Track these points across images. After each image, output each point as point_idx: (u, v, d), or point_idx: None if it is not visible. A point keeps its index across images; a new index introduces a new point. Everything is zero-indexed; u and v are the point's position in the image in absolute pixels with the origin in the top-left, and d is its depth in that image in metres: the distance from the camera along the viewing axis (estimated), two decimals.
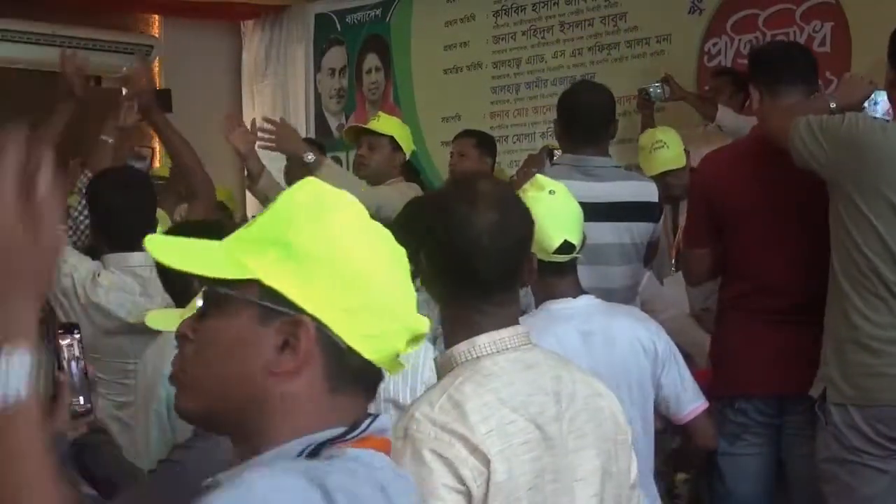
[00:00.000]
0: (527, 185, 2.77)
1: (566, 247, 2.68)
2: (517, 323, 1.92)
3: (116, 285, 3.29)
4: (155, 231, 3.49)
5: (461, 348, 1.85)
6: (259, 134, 4.31)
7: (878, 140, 2.95)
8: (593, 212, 3.39)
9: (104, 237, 3.48)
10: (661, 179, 4.66)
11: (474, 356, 1.84)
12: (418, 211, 1.94)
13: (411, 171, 5.37)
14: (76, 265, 3.31)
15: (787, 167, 3.11)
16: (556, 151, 4.11)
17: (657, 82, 5.56)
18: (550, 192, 2.69)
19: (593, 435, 1.89)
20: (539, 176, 3.56)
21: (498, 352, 1.84)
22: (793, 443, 3.27)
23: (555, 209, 2.69)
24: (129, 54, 7.98)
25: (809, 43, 5.59)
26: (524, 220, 1.93)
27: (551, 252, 2.67)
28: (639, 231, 3.60)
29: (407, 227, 1.79)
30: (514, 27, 6.97)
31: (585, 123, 3.60)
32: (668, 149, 4.81)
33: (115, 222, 3.35)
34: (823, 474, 3.06)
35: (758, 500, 3.37)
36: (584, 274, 3.43)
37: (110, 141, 4.05)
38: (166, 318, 2.10)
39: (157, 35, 8.45)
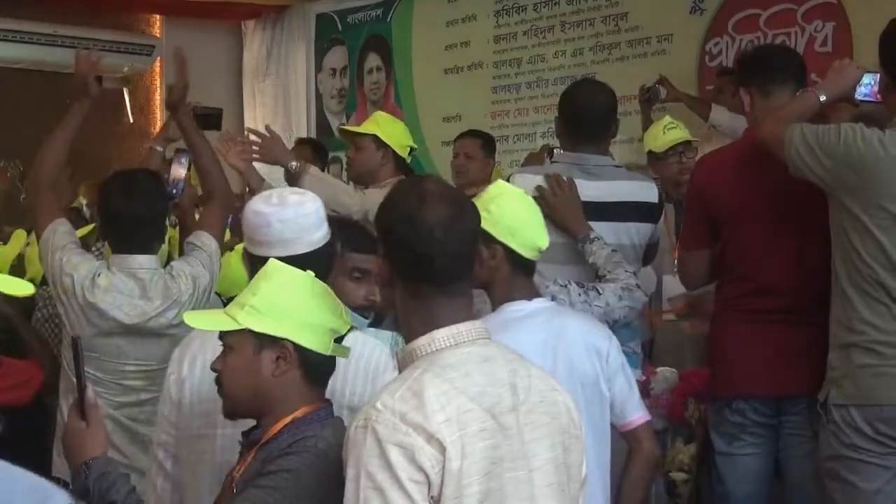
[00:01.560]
0: (495, 184, 2.90)
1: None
2: (473, 317, 1.99)
3: (114, 286, 3.29)
4: (162, 236, 3.51)
5: (421, 342, 1.92)
6: (249, 138, 4.37)
7: (877, 153, 2.95)
8: (593, 211, 3.39)
9: (109, 238, 3.52)
10: (677, 159, 4.69)
11: (434, 349, 1.91)
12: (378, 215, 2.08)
13: (408, 170, 5.37)
14: (77, 265, 3.31)
15: (782, 169, 3.10)
16: (556, 150, 4.10)
17: (654, 83, 5.57)
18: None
19: (548, 427, 1.95)
20: (516, 176, 3.60)
21: (456, 345, 1.91)
22: (791, 443, 3.27)
23: (534, 210, 2.82)
24: (130, 54, 7.98)
25: (811, 43, 5.60)
26: (473, 215, 2.01)
27: (537, 251, 2.78)
28: (639, 232, 3.54)
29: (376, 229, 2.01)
30: (514, 27, 6.97)
31: (586, 122, 3.56)
32: (681, 129, 4.82)
33: (118, 226, 3.36)
34: (826, 472, 3.07)
35: (756, 499, 3.37)
36: (585, 272, 3.44)
37: (160, 149, 4.10)
38: (203, 318, 2.24)
39: (158, 35, 8.45)
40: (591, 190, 3.46)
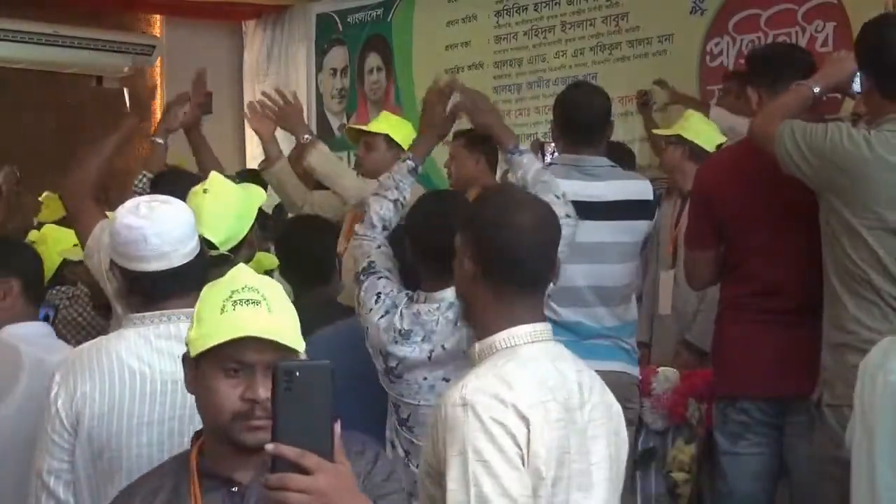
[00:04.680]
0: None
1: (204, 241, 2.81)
2: (545, 319, 2.11)
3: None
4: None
5: (501, 336, 2.04)
6: (265, 101, 4.34)
7: (864, 154, 2.95)
8: (592, 211, 3.43)
9: None
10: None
11: (513, 344, 2.03)
12: (454, 218, 2.24)
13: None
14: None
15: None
16: (546, 146, 4.13)
17: (653, 86, 5.58)
18: (204, 190, 2.85)
19: (605, 427, 2.07)
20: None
21: (533, 342, 2.04)
22: (794, 443, 3.26)
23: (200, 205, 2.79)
24: (131, 54, 7.98)
25: (812, 43, 5.59)
26: (554, 222, 2.15)
27: None
28: (636, 229, 3.64)
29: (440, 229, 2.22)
30: (515, 27, 6.97)
31: (583, 124, 3.65)
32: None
33: None
34: (824, 473, 3.06)
35: (759, 499, 3.36)
36: (583, 273, 3.46)
37: (160, 141, 4.09)
38: None
39: (158, 35, 8.46)
40: (590, 190, 3.54)
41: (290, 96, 4.37)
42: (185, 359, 1.88)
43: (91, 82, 8.14)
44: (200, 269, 2.34)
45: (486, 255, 2.07)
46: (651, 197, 3.70)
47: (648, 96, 5.56)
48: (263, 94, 4.45)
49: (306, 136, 4.24)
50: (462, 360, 2.56)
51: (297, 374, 1.52)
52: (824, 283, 3.06)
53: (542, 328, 2.07)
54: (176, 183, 3.45)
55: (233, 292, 1.81)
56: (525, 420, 1.91)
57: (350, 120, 7.65)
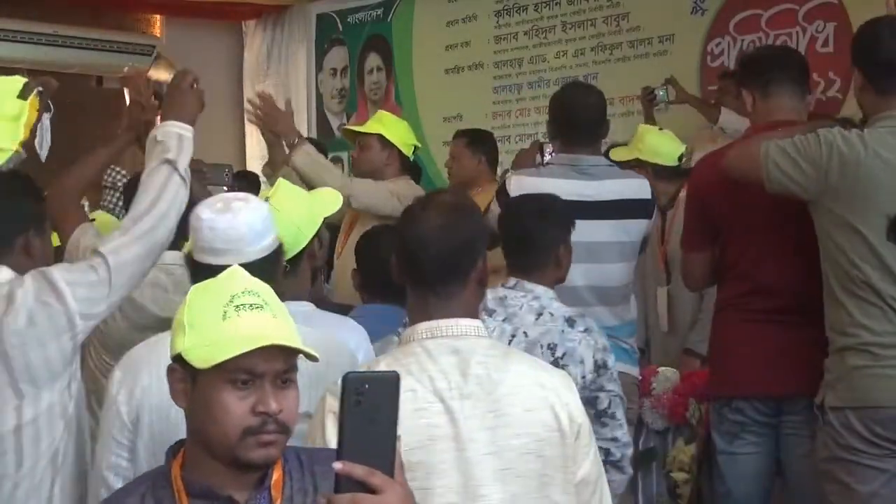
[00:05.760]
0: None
1: None
2: (468, 315, 2.14)
3: (149, 281, 3.27)
4: (186, 233, 3.48)
5: (406, 331, 2.15)
6: (250, 107, 4.32)
7: (861, 154, 2.95)
8: (590, 210, 3.45)
9: None
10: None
11: (411, 339, 2.11)
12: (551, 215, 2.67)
13: (414, 169, 5.35)
14: None
15: None
16: (546, 146, 4.12)
17: (662, 85, 5.55)
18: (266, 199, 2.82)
19: (500, 420, 2.06)
20: (512, 178, 3.67)
21: (431, 338, 2.10)
22: (791, 442, 3.26)
23: None
24: (131, 54, 7.98)
25: (812, 43, 5.59)
26: (469, 226, 2.18)
27: None
28: (634, 228, 3.64)
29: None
30: (515, 27, 6.97)
31: (580, 124, 3.65)
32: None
33: None
34: (823, 474, 3.06)
35: (757, 498, 3.36)
36: (582, 272, 3.46)
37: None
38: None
39: (158, 35, 8.45)
40: (587, 190, 3.55)
41: (281, 102, 4.35)
42: (173, 370, 1.74)
43: (91, 82, 8.14)
44: (270, 269, 2.30)
45: (398, 254, 2.19)
46: (649, 196, 3.70)
47: (655, 93, 5.54)
48: (248, 101, 4.41)
49: (296, 139, 4.21)
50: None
51: (367, 386, 1.42)
52: (823, 289, 3.06)
53: (448, 324, 2.10)
54: None
55: (233, 296, 1.69)
56: None
57: (350, 120, 7.64)
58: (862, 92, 3.11)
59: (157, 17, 8.47)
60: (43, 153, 3.02)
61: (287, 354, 1.69)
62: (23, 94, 2.62)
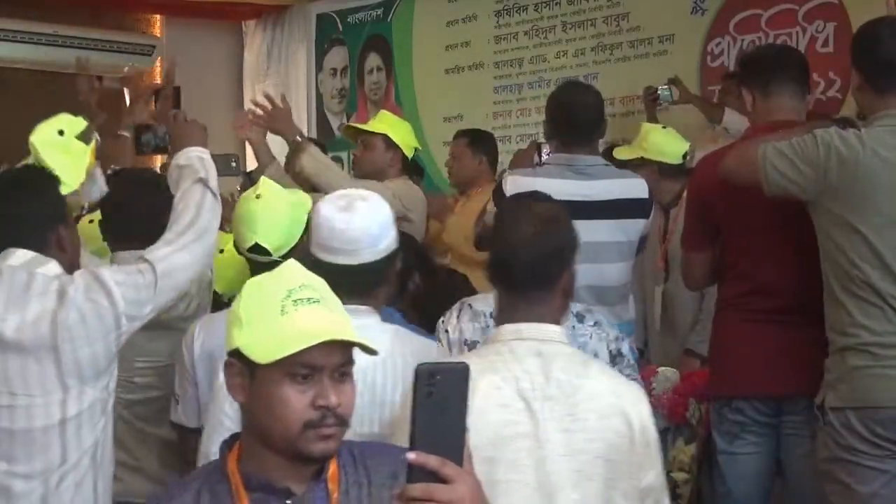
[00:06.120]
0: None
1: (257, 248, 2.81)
2: (552, 321, 2.24)
3: None
4: (163, 230, 3.47)
5: (493, 332, 2.29)
6: (254, 109, 4.29)
7: (859, 153, 2.95)
8: (588, 210, 3.43)
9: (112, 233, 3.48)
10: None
11: (497, 339, 2.23)
12: None
13: (415, 169, 5.35)
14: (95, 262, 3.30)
15: None
16: (544, 146, 4.12)
17: (665, 84, 5.55)
18: (257, 196, 2.84)
19: (576, 424, 2.14)
20: (508, 178, 3.68)
21: (517, 339, 2.20)
22: (791, 442, 3.26)
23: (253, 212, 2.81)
24: (131, 54, 7.98)
25: (812, 43, 5.59)
26: (560, 236, 2.30)
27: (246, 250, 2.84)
28: (632, 228, 3.64)
29: None
30: (515, 27, 6.97)
31: (577, 123, 3.64)
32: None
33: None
34: (823, 475, 3.06)
35: (757, 499, 3.36)
36: (579, 272, 3.45)
37: (127, 135, 4.04)
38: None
39: (158, 35, 8.46)
40: (585, 189, 3.55)
41: (279, 100, 4.33)
42: (230, 365, 1.75)
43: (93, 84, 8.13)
44: (383, 271, 2.34)
45: (491, 259, 2.32)
46: (646, 195, 3.69)
47: (658, 93, 5.53)
48: (253, 101, 4.39)
49: (297, 136, 4.17)
50: None
51: (438, 377, 1.42)
52: (824, 289, 3.06)
53: (531, 329, 2.21)
54: (135, 181, 3.42)
55: (290, 291, 1.70)
56: None
57: (350, 120, 7.64)
58: (860, 91, 3.11)
59: (157, 17, 8.48)
60: (85, 199, 3.12)
61: (344, 348, 1.71)
62: (84, 138, 2.79)
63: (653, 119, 5.48)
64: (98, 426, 2.46)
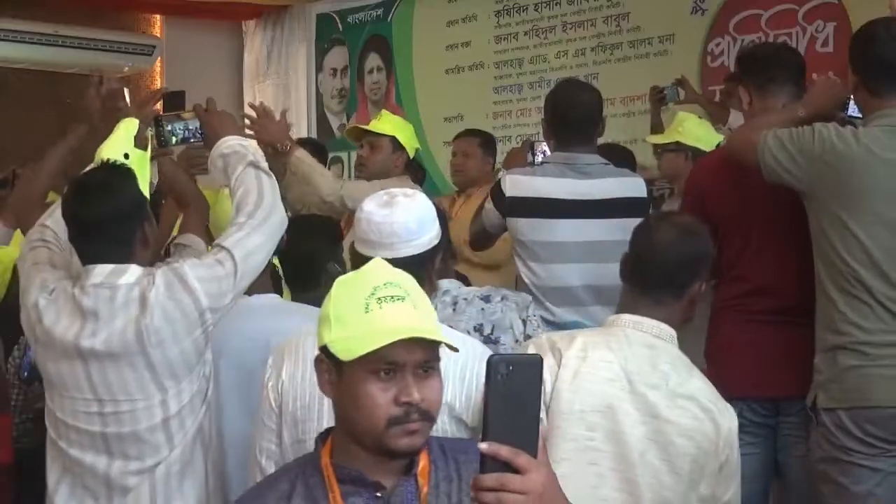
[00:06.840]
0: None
1: None
2: (667, 323, 2.42)
3: None
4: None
5: (611, 317, 2.48)
6: (247, 119, 4.25)
7: (854, 150, 2.95)
8: (586, 209, 3.48)
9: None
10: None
11: (615, 324, 2.43)
12: None
13: (417, 169, 5.36)
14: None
15: None
16: (537, 145, 4.11)
17: (672, 84, 5.55)
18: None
19: (671, 416, 2.33)
20: (506, 178, 3.66)
21: (634, 329, 2.40)
22: (788, 443, 3.26)
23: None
24: (131, 54, 7.99)
25: (812, 43, 5.59)
26: (697, 247, 2.49)
27: None
28: (631, 227, 3.57)
29: None
30: (516, 27, 6.97)
31: (575, 122, 3.64)
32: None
33: None
34: (817, 475, 3.06)
35: (755, 500, 3.35)
36: (578, 271, 3.46)
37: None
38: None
39: (158, 35, 8.46)
40: (583, 188, 3.56)
41: (279, 110, 4.27)
42: (320, 362, 1.79)
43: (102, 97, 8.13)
44: (421, 267, 2.32)
45: (628, 256, 2.54)
46: (644, 194, 3.69)
47: (664, 92, 5.53)
48: (250, 105, 4.35)
49: (286, 143, 4.08)
50: None
51: (511, 368, 1.43)
52: (816, 286, 3.06)
53: (650, 324, 2.41)
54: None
55: (375, 289, 1.72)
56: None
57: (350, 120, 7.64)
58: (856, 91, 3.12)
59: (157, 17, 8.47)
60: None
61: (428, 344, 1.71)
62: (140, 144, 2.80)
63: (657, 119, 5.49)
64: (200, 412, 2.56)
